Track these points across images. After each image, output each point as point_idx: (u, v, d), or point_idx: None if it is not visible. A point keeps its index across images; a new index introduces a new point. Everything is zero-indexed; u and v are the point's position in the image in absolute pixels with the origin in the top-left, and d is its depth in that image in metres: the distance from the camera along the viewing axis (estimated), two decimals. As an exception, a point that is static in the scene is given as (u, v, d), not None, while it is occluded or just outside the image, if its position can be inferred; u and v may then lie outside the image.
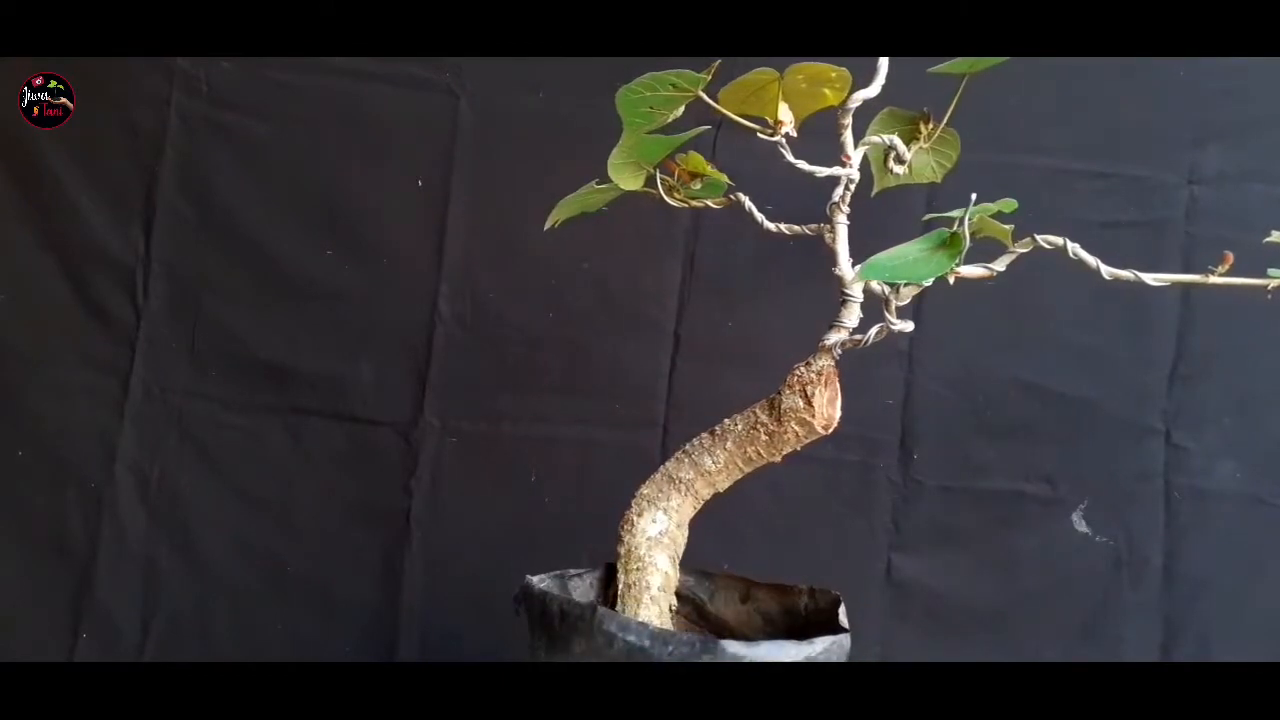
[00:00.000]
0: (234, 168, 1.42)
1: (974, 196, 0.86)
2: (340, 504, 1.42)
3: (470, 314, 1.42)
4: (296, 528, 1.42)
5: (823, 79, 0.88)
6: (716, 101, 0.90)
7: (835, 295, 0.94)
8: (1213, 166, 1.35)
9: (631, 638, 0.85)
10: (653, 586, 0.97)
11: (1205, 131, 1.36)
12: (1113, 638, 1.36)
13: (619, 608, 0.97)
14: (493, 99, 1.41)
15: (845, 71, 0.88)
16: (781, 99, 0.89)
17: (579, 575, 1.05)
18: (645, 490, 0.99)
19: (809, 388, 0.93)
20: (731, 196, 1.01)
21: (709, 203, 1.02)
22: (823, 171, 0.90)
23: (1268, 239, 0.88)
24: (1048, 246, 0.87)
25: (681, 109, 0.91)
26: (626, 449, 1.40)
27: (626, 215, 1.40)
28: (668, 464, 0.99)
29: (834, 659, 0.89)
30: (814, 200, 0.95)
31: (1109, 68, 1.33)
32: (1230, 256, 0.84)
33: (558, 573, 1.03)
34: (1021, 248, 0.88)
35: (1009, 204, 0.89)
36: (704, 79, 0.87)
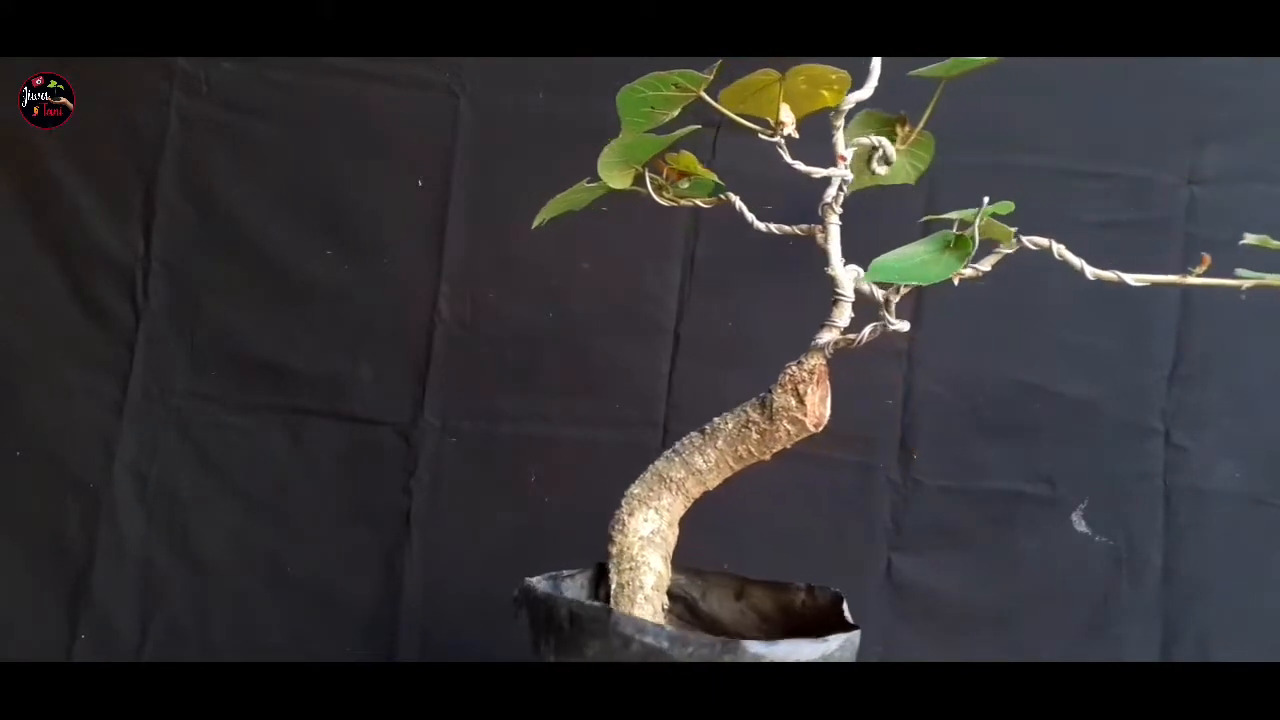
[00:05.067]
0: (234, 168, 1.42)
1: (986, 200, 0.87)
2: (340, 504, 1.42)
3: (470, 314, 1.41)
4: (296, 528, 1.42)
5: (823, 81, 0.89)
6: (717, 101, 0.90)
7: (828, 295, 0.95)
8: (1213, 166, 1.35)
9: (649, 639, 0.85)
10: (646, 586, 0.97)
11: (1205, 131, 1.35)
12: (1113, 638, 1.36)
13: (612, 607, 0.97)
14: (493, 99, 1.41)
15: (845, 74, 0.89)
16: (783, 100, 0.90)
17: (570, 576, 1.04)
18: (636, 490, 0.99)
19: (801, 386, 0.93)
20: (722, 196, 1.00)
21: (698, 202, 1.02)
22: (819, 172, 0.91)
23: (1244, 240, 0.88)
24: (1033, 247, 0.88)
25: (679, 109, 0.91)
26: (626, 449, 1.40)
27: (626, 215, 1.41)
28: (657, 463, 0.99)
29: (847, 657, 0.89)
30: (816, 201, 0.96)
31: (1109, 68, 1.33)
32: (1208, 259, 0.84)
33: (551, 574, 1.03)
34: (1007, 248, 0.89)
35: (1006, 206, 0.89)
36: (706, 79, 0.87)
